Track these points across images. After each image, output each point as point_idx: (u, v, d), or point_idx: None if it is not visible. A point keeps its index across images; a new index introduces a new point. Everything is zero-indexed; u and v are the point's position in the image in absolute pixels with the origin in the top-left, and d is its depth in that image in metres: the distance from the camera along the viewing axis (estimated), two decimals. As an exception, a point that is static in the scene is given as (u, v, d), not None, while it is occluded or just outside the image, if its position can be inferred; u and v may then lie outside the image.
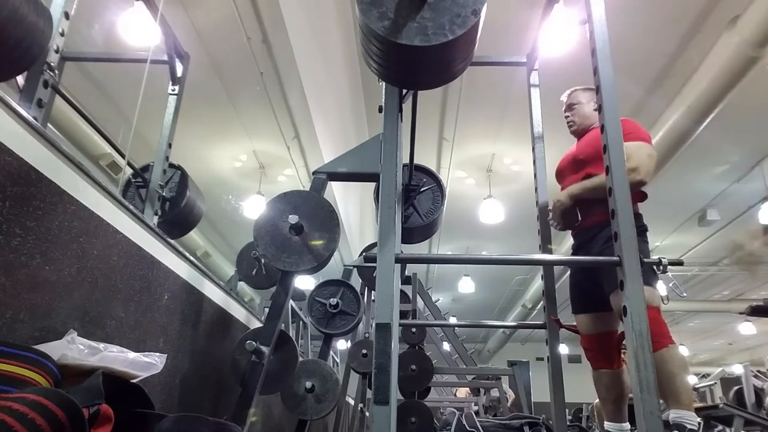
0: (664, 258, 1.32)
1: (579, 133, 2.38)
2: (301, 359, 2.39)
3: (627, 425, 2.08)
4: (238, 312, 2.52)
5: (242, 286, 4.28)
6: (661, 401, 2.01)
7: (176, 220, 2.66)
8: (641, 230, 2.03)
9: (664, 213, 7.63)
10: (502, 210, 7.18)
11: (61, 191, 1.26)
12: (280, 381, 1.97)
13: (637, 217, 2.05)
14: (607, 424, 2.10)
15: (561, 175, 2.40)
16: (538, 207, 2.30)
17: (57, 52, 1.79)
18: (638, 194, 2.10)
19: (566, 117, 2.41)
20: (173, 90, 2.60)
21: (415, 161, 2.57)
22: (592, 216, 2.13)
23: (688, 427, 1.74)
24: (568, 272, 2.46)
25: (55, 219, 1.23)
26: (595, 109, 2.25)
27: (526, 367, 11.19)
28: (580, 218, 2.17)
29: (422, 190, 2.68)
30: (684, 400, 1.79)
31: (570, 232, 2.32)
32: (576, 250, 2.27)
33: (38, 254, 1.17)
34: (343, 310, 2.88)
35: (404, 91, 1.64)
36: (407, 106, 1.79)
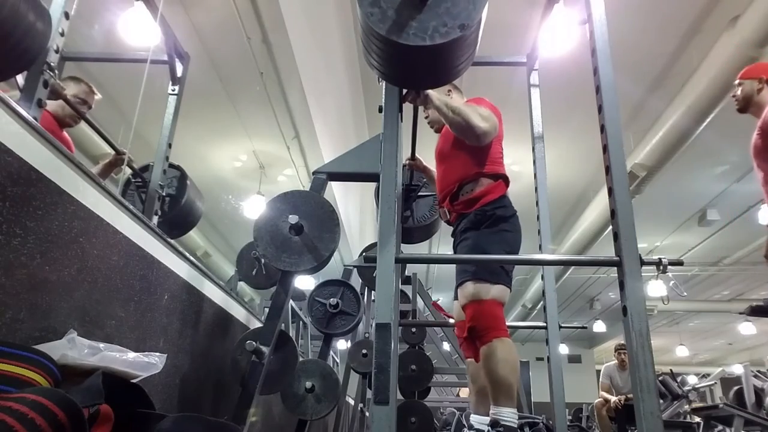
0: (664, 258, 1.31)
1: (439, 130, 2.31)
2: (301, 359, 2.39)
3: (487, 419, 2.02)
4: (238, 312, 2.52)
5: (242, 286, 4.28)
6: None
7: (176, 220, 2.67)
8: (498, 218, 1.97)
9: (665, 213, 7.62)
10: (502, 210, 7.15)
11: (61, 191, 1.25)
12: (280, 381, 1.97)
13: (496, 202, 2.00)
14: (472, 417, 2.04)
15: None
16: (538, 207, 2.30)
17: (57, 52, 1.78)
18: (501, 183, 2.06)
19: (425, 117, 2.35)
20: (173, 90, 2.60)
21: (416, 161, 2.57)
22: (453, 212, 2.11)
23: (502, 422, 1.71)
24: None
25: (55, 219, 1.23)
26: None
27: (526, 367, 11.19)
28: (449, 217, 2.14)
29: (422, 192, 2.68)
30: (502, 397, 1.76)
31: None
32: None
33: (38, 254, 1.17)
34: (343, 310, 2.88)
35: (404, 90, 1.64)
36: (407, 106, 1.79)
